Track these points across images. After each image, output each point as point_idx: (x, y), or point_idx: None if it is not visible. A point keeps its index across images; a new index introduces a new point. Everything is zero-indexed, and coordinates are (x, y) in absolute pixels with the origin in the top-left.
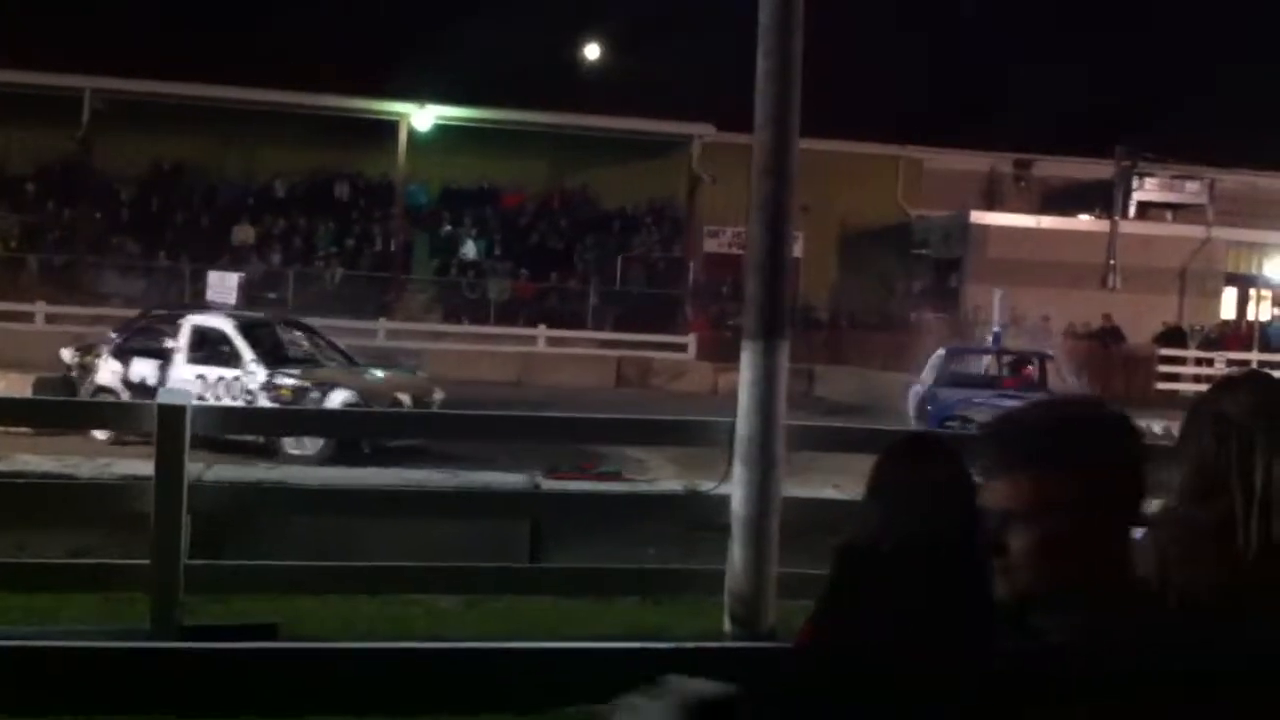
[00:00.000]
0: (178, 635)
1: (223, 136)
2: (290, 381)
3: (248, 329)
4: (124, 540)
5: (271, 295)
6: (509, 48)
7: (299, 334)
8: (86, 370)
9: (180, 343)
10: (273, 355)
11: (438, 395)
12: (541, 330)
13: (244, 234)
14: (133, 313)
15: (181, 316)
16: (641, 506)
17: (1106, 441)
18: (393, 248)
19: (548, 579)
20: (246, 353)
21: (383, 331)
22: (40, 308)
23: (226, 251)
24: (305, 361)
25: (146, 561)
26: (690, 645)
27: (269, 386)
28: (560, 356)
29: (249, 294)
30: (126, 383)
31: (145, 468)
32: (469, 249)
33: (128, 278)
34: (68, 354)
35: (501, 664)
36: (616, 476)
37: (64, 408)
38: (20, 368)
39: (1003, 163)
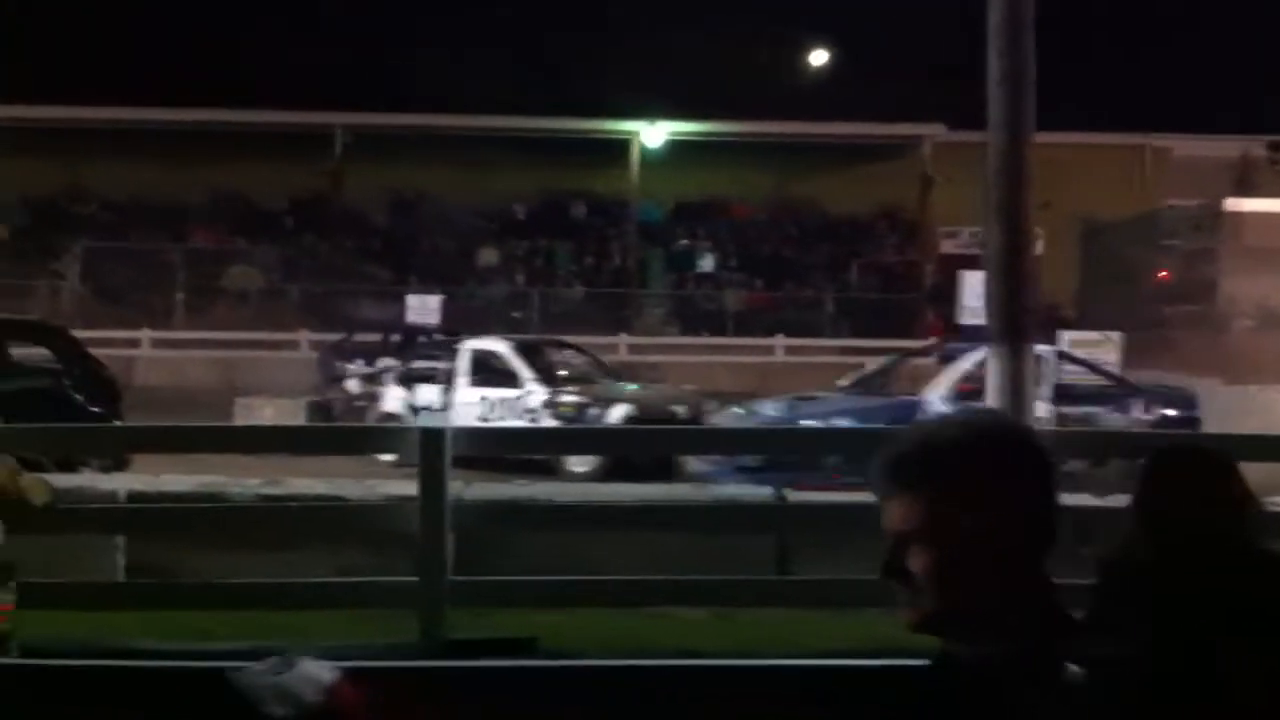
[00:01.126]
0: (444, 650)
1: (461, 162)
2: (572, 399)
3: (522, 350)
4: (381, 558)
5: (517, 315)
6: (734, 58)
7: (568, 353)
8: (373, 399)
9: (460, 367)
10: (548, 374)
11: (708, 407)
12: (779, 340)
13: (489, 256)
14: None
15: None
16: None
17: (1004, 457)
18: (628, 263)
19: (793, 591)
20: (525, 373)
21: (624, 346)
22: (304, 335)
23: (471, 275)
24: (578, 379)
25: (414, 578)
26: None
27: (551, 404)
28: (799, 365)
29: (500, 316)
30: (412, 408)
31: (408, 488)
32: (706, 261)
33: (381, 304)
34: (354, 384)
35: (759, 681)
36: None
37: (336, 434)
38: (290, 394)
39: (1255, 146)
